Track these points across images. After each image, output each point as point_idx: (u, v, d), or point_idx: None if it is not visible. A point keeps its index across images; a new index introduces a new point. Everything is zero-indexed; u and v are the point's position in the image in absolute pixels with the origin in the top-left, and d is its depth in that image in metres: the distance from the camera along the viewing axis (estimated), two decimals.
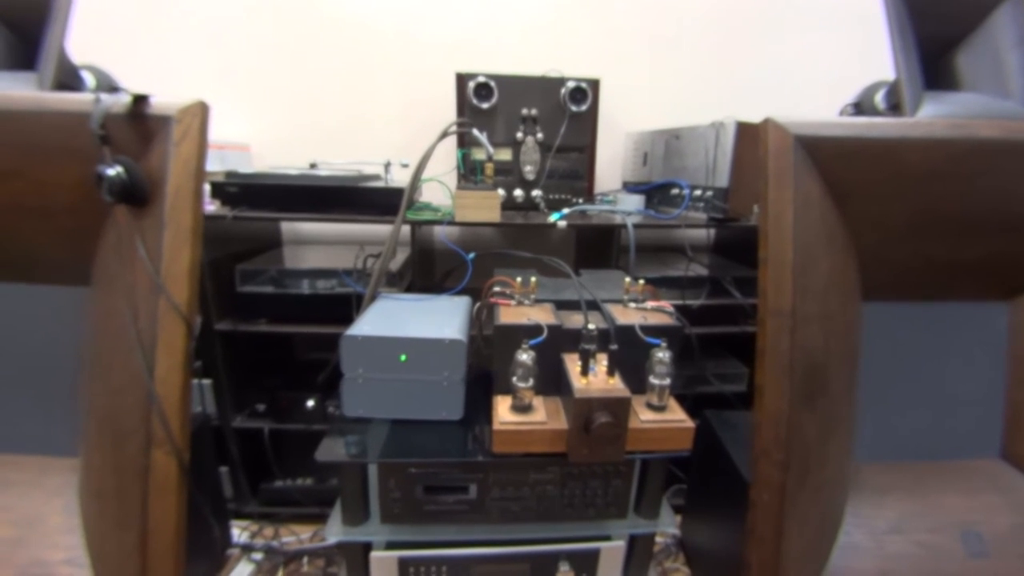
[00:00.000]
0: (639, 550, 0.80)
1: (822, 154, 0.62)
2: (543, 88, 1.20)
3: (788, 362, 0.62)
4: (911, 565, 0.66)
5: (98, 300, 0.64)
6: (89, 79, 0.79)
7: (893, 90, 0.78)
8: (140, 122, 0.60)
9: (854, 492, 0.70)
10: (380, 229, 1.02)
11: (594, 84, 1.20)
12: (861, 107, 0.83)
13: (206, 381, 1.11)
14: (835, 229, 0.65)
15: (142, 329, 0.59)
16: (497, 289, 0.81)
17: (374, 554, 0.72)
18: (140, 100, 0.59)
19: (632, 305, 0.79)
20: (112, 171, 0.56)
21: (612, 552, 0.76)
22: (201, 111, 0.61)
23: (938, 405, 0.75)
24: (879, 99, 0.80)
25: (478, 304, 0.84)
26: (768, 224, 0.62)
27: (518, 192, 1.23)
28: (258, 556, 1.13)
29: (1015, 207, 0.67)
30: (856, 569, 0.66)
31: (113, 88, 0.81)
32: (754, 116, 0.65)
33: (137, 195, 0.58)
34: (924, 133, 0.63)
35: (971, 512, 0.70)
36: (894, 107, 0.78)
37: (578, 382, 0.64)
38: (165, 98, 0.61)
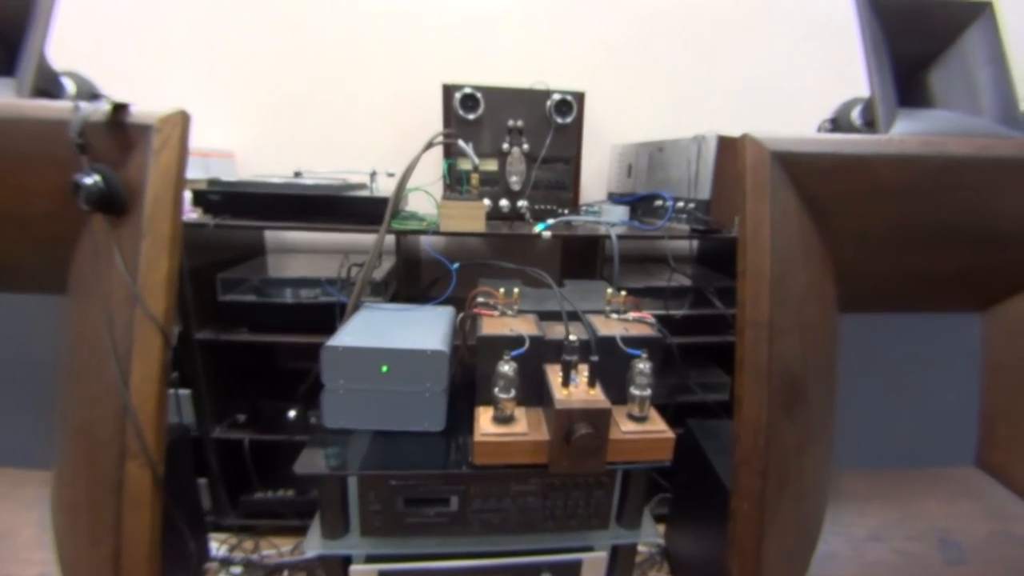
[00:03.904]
0: (621, 561, 0.79)
1: (798, 169, 0.64)
2: (529, 100, 1.20)
3: (766, 372, 0.63)
4: (890, 573, 0.67)
5: (74, 309, 0.63)
6: (70, 86, 0.78)
7: (868, 107, 0.80)
8: (120, 131, 0.59)
9: (833, 500, 0.71)
10: (365, 238, 1.02)
11: (579, 96, 1.21)
12: (838, 123, 0.85)
13: (185, 391, 1.09)
14: (812, 242, 0.66)
15: (118, 339, 0.58)
16: (480, 300, 0.81)
17: (354, 568, 0.71)
18: (120, 108, 0.59)
19: (614, 316, 0.79)
20: (89, 180, 0.55)
21: (594, 563, 0.76)
22: (182, 120, 0.60)
23: (915, 414, 0.77)
24: (855, 115, 0.82)
25: (461, 315, 0.84)
26: (746, 237, 0.63)
27: (504, 202, 1.24)
28: (237, 570, 1.11)
29: (987, 221, 0.68)
30: None
31: (94, 95, 0.80)
32: (738, 129, 0.66)
33: (115, 204, 0.58)
34: (897, 149, 0.65)
35: (948, 519, 0.71)
36: (869, 123, 0.79)
37: (559, 393, 0.64)
38: (146, 107, 0.60)
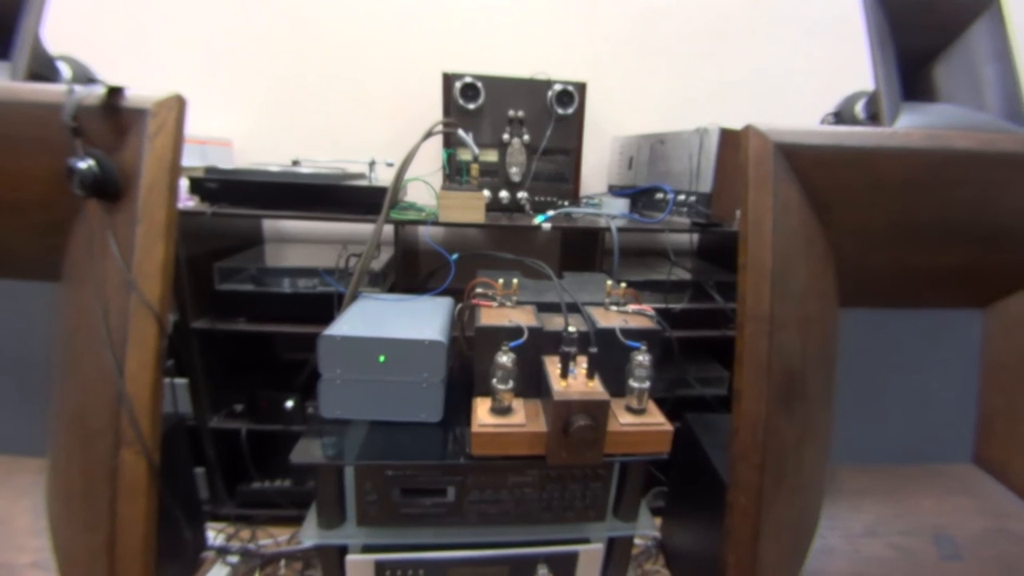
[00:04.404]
0: (618, 553, 0.80)
1: (801, 162, 0.63)
2: (530, 90, 1.20)
3: (766, 366, 0.63)
4: (886, 568, 0.67)
5: (69, 296, 0.62)
6: (65, 70, 0.77)
7: (872, 100, 0.79)
8: (114, 115, 0.58)
9: (830, 495, 0.71)
10: (364, 228, 1.02)
11: (581, 87, 1.20)
12: (841, 116, 0.85)
13: (182, 380, 1.09)
14: (814, 236, 0.66)
15: (113, 326, 0.58)
16: (479, 290, 0.81)
17: (350, 557, 0.71)
18: (114, 92, 0.58)
19: (614, 308, 0.79)
20: (83, 164, 0.55)
21: (590, 555, 0.76)
22: (178, 105, 0.59)
23: (913, 410, 0.77)
24: (859, 109, 0.82)
25: (460, 305, 0.83)
26: (748, 230, 0.63)
27: (503, 193, 1.23)
28: (234, 559, 1.11)
29: (989, 217, 0.68)
30: (831, 571, 0.66)
31: (90, 80, 0.79)
32: (739, 122, 0.66)
33: (109, 189, 0.57)
34: (901, 143, 0.64)
35: (944, 516, 0.71)
36: (873, 117, 0.79)
37: (557, 385, 0.64)
38: (142, 91, 0.59)
